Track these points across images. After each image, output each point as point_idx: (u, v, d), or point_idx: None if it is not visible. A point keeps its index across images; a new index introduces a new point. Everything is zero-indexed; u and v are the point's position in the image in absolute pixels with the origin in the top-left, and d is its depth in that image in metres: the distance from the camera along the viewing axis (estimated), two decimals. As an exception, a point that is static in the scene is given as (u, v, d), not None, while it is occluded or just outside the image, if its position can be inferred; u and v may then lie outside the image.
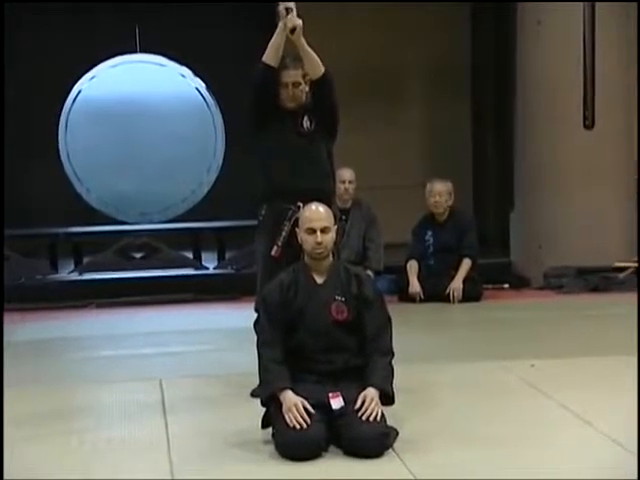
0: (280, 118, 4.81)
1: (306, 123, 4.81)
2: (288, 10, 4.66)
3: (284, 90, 4.78)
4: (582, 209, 8.39)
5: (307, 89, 4.80)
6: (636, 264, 8.36)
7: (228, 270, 8.78)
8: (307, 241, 4.11)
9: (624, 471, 3.64)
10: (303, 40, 4.68)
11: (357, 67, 9.57)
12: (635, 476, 3.54)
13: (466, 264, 7.81)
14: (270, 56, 4.72)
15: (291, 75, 4.76)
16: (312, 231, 4.09)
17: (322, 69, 4.73)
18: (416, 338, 6.22)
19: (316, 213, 4.14)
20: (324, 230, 4.09)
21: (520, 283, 8.55)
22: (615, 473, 3.64)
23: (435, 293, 7.75)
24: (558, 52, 8.39)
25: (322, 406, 3.92)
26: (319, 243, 4.07)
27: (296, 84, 4.77)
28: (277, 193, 4.77)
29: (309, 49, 4.70)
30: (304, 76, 4.77)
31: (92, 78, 10.19)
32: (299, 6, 4.69)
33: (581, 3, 8.22)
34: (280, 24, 4.69)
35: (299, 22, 4.65)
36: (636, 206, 8.67)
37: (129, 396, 5.01)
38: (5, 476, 3.69)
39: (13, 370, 5.76)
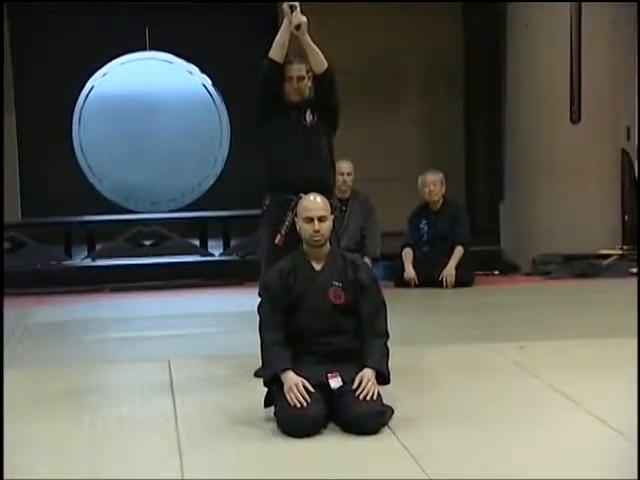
0: (284, 112, 4.78)
1: (309, 117, 4.78)
2: (292, 8, 4.64)
3: (289, 84, 4.75)
4: (568, 199, 8.38)
5: (310, 84, 4.77)
6: (620, 251, 8.35)
7: (233, 257, 8.77)
8: (305, 229, 4.09)
9: (610, 449, 3.62)
10: (307, 36, 4.65)
11: (358, 67, 9.56)
12: (621, 454, 3.53)
13: (459, 251, 7.80)
14: (276, 52, 4.69)
15: (295, 69, 4.73)
16: (310, 220, 4.07)
17: (325, 65, 4.70)
18: (411, 321, 6.22)
19: (314, 203, 4.12)
20: (321, 219, 4.07)
21: (510, 269, 8.54)
22: (601, 451, 3.63)
23: (429, 279, 7.74)
24: (545, 53, 8.39)
25: (321, 386, 3.91)
26: (317, 231, 4.05)
27: (300, 78, 4.74)
28: (280, 184, 4.75)
29: (313, 45, 4.67)
30: (308, 71, 4.74)
31: (104, 75, 10.16)
32: (305, 8, 4.66)
33: (567, 8, 8.21)
34: (285, 21, 4.66)
35: (304, 19, 4.62)
36: (620, 196, 8.68)
37: (139, 376, 5.01)
38: (21, 454, 3.68)
39: (29, 351, 5.77)
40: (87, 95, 10.10)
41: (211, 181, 10.35)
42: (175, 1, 9.91)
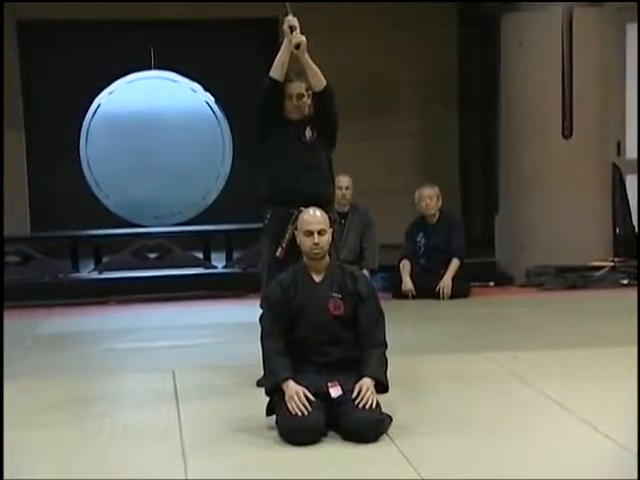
0: (284, 128, 4.79)
1: (308, 133, 4.79)
2: (292, 28, 4.66)
3: (288, 101, 4.76)
4: (561, 212, 8.37)
5: (310, 102, 4.78)
6: (611, 263, 8.36)
7: (235, 269, 8.76)
8: (305, 242, 4.10)
9: (604, 456, 3.62)
10: (307, 55, 4.67)
11: (356, 82, 9.57)
12: (615, 459, 3.53)
13: (455, 263, 7.79)
14: (276, 70, 4.71)
15: (295, 87, 4.74)
16: (309, 233, 4.08)
17: (324, 82, 4.71)
18: (409, 332, 6.22)
19: (313, 217, 4.13)
20: (320, 232, 4.08)
21: (504, 281, 8.53)
22: (595, 457, 3.62)
23: (426, 290, 7.72)
24: (538, 70, 8.39)
25: (322, 394, 3.91)
26: (316, 244, 4.06)
27: (300, 96, 4.75)
28: (281, 198, 4.75)
29: (312, 63, 4.69)
30: (307, 89, 4.75)
31: (111, 93, 10.18)
32: (304, 28, 4.68)
33: (559, 26, 8.23)
34: (285, 41, 4.68)
35: (303, 39, 4.64)
36: (611, 209, 8.69)
37: (144, 385, 5.01)
38: (30, 459, 3.68)
39: (37, 361, 5.77)
40: (94, 112, 10.13)
41: (214, 195, 10.36)
42: (179, 23, 9.96)
